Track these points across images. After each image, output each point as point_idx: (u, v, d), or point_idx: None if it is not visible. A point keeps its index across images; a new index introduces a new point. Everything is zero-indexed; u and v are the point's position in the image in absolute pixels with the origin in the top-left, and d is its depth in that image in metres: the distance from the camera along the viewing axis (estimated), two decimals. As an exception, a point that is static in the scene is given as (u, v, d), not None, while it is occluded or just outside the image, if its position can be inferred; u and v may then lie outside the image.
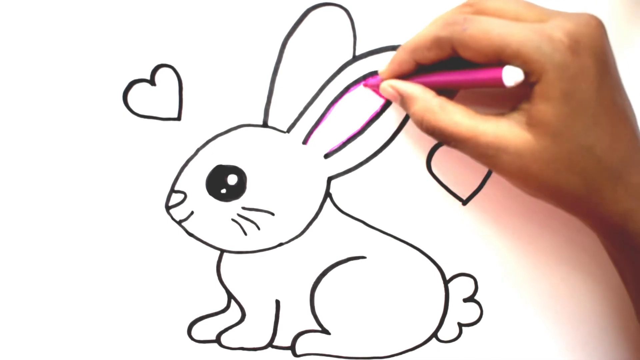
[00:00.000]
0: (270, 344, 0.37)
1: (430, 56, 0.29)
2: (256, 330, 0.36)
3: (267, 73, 0.33)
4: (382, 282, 0.36)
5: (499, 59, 0.26)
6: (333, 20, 0.32)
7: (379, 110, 0.34)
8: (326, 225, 0.35)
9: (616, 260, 0.31)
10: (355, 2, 0.32)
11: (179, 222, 0.34)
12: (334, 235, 0.35)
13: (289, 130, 0.34)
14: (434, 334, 0.37)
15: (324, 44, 0.32)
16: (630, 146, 0.27)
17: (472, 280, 0.37)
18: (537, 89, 0.25)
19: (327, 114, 0.33)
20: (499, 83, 0.25)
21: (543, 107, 0.25)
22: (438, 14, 0.32)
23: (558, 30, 0.25)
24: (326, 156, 0.34)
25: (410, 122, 0.33)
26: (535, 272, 0.37)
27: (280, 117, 0.33)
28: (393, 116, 0.34)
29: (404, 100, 0.30)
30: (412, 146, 0.34)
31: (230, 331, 0.36)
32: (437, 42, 0.28)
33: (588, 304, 0.37)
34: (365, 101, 0.33)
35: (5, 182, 0.33)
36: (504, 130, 0.26)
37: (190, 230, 0.34)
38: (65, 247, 0.34)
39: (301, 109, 0.33)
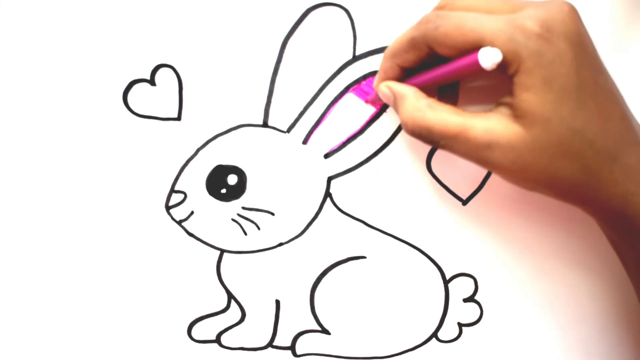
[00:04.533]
0: (270, 344, 0.37)
1: (409, 58, 0.29)
2: (256, 330, 0.36)
3: (267, 73, 0.33)
4: (382, 282, 0.36)
5: None
6: (333, 20, 0.32)
7: (378, 110, 0.34)
8: (326, 225, 0.35)
9: (617, 245, 0.30)
10: (355, 2, 0.32)
11: (179, 222, 0.34)
12: (334, 235, 0.35)
13: (289, 130, 0.34)
14: (434, 334, 0.37)
15: (324, 44, 0.32)
16: (621, 126, 0.26)
17: (472, 280, 0.37)
18: (517, 79, 0.25)
19: (327, 114, 0.33)
20: (477, 67, 0.25)
21: (526, 96, 0.25)
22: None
23: (529, 20, 0.25)
24: (326, 156, 0.34)
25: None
26: (536, 272, 0.37)
27: (280, 117, 0.33)
28: (393, 116, 0.34)
29: (395, 100, 0.30)
30: (412, 146, 0.34)
31: (230, 331, 0.36)
32: (413, 43, 0.28)
33: (588, 303, 0.37)
34: (365, 101, 0.33)
35: (5, 182, 0.33)
36: (493, 124, 0.26)
37: (190, 230, 0.34)
38: (66, 247, 0.34)
39: (301, 109, 0.33)
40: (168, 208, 0.34)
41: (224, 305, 0.36)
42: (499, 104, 0.27)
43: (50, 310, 0.35)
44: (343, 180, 0.34)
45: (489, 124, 0.26)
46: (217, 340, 0.36)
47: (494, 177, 0.35)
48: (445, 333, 0.37)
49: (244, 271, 0.35)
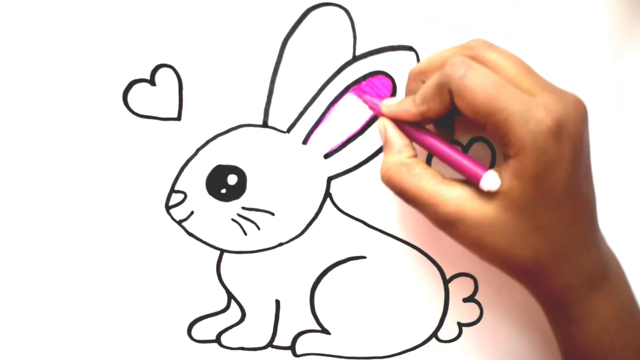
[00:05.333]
0: (270, 344, 0.37)
1: (435, 107, 0.28)
2: (256, 330, 0.36)
3: (267, 73, 0.33)
4: (382, 282, 0.36)
5: (486, 121, 0.26)
6: (333, 20, 0.32)
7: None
8: (326, 225, 0.35)
9: (554, 329, 0.31)
10: (355, 2, 0.32)
11: (179, 222, 0.34)
12: (334, 235, 0.35)
13: (289, 130, 0.34)
14: (434, 334, 0.37)
15: (324, 44, 0.32)
16: (584, 230, 0.28)
17: (472, 280, 0.37)
18: (512, 164, 0.25)
19: (327, 114, 0.33)
20: (475, 180, 0.26)
21: (513, 183, 0.26)
22: (437, 15, 0.32)
23: (546, 113, 0.25)
24: (326, 156, 0.34)
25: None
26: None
27: (280, 117, 0.33)
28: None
29: (384, 144, 0.30)
30: (412, 146, 0.34)
31: (230, 331, 0.36)
32: (439, 88, 0.27)
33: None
34: (365, 101, 0.33)
35: (5, 182, 0.33)
36: (465, 202, 0.27)
37: (190, 230, 0.34)
38: (66, 247, 0.34)
39: (301, 109, 0.33)
40: (168, 208, 0.34)
41: (224, 305, 0.36)
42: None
43: (50, 310, 0.35)
44: (343, 180, 0.34)
45: (460, 202, 0.27)
46: (217, 340, 0.36)
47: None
48: (445, 333, 0.37)
49: (244, 271, 0.35)
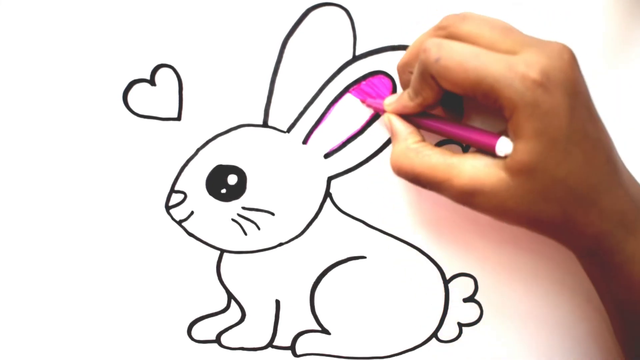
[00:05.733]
0: (270, 344, 0.37)
1: (429, 96, 0.28)
2: (256, 330, 0.36)
3: (267, 73, 0.33)
4: (382, 282, 0.36)
5: (474, 94, 0.26)
6: (333, 20, 0.32)
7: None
8: (326, 225, 0.35)
9: (592, 277, 0.31)
10: (355, 2, 0.32)
11: (179, 222, 0.34)
12: (334, 235, 0.35)
13: (289, 130, 0.34)
14: (434, 334, 0.37)
15: (324, 44, 0.32)
16: (603, 172, 0.27)
17: (472, 280, 0.37)
18: (510, 125, 0.26)
19: (327, 114, 0.33)
20: (490, 147, 0.27)
21: (515, 144, 0.26)
22: (438, 15, 0.32)
23: (530, 67, 0.25)
24: (326, 156, 0.34)
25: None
26: (536, 272, 0.37)
27: (280, 117, 0.33)
28: (393, 116, 0.34)
29: (391, 137, 0.31)
30: (412, 146, 0.34)
31: (230, 331, 0.36)
32: (423, 78, 0.27)
33: (589, 303, 0.37)
34: (365, 101, 0.33)
35: (5, 182, 0.33)
36: (479, 171, 0.27)
37: (190, 230, 0.34)
38: (66, 247, 0.34)
39: (301, 109, 0.33)
40: (168, 208, 0.34)
41: (224, 305, 0.36)
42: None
43: (50, 310, 0.35)
44: (343, 180, 0.34)
45: (474, 171, 0.27)
46: (217, 340, 0.36)
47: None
48: (445, 333, 0.37)
49: (244, 271, 0.35)
